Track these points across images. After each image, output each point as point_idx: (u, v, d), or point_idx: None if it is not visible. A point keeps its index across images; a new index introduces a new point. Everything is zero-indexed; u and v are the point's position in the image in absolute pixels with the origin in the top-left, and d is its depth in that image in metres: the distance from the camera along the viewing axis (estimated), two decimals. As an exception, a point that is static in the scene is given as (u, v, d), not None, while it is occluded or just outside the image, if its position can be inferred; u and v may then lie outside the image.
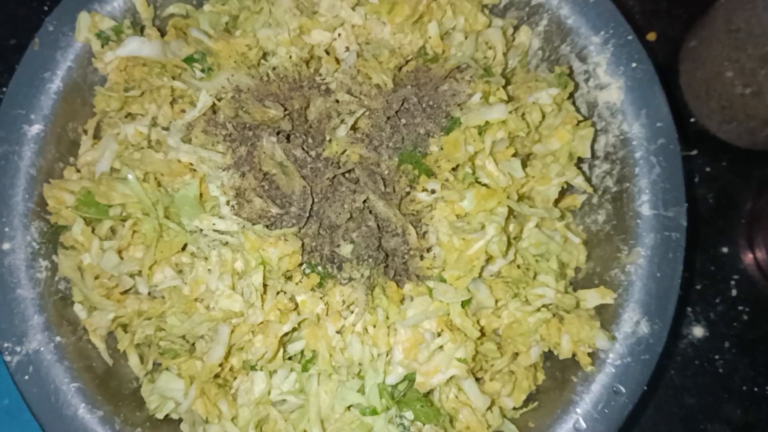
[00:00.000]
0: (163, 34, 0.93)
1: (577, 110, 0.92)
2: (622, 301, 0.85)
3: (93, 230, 0.87)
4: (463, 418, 0.83)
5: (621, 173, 0.90)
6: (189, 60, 0.87)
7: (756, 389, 1.06)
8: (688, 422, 1.06)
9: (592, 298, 0.87)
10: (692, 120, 1.09)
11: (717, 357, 1.07)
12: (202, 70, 0.87)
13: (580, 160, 0.93)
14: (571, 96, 0.93)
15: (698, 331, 1.08)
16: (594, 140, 0.92)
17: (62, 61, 0.90)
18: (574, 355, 0.85)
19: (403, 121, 0.84)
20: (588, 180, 0.92)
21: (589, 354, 0.84)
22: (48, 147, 0.89)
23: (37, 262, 0.86)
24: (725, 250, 1.11)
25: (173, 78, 0.90)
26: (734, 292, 1.09)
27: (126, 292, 0.88)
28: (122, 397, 0.87)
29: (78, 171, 0.92)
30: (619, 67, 0.90)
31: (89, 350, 0.88)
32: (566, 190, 0.93)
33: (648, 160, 0.88)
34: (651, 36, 1.16)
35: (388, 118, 0.83)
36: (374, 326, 0.82)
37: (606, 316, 0.86)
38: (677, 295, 0.84)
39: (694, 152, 1.12)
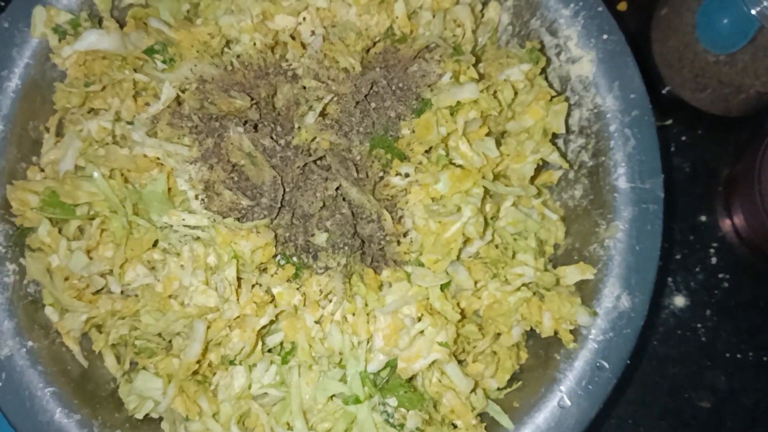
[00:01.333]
0: (122, 25, 0.90)
1: (550, 85, 0.91)
2: (602, 276, 0.84)
3: (60, 231, 0.85)
4: (447, 401, 0.82)
5: (596, 147, 0.89)
6: (149, 51, 0.85)
7: (739, 355, 1.07)
8: (673, 392, 1.06)
9: (572, 274, 0.86)
10: (666, 89, 1.08)
11: (699, 325, 1.07)
12: (164, 62, 0.85)
13: (555, 135, 0.91)
14: (543, 71, 0.91)
15: (680, 301, 1.08)
16: (568, 115, 0.90)
17: (19, 58, 0.88)
18: (556, 332, 0.84)
19: (373, 104, 0.82)
20: (563, 155, 0.91)
21: (570, 331, 0.83)
22: (9, 147, 0.86)
23: (4, 266, 0.84)
24: (704, 218, 1.10)
25: (135, 70, 0.87)
26: (714, 260, 1.09)
27: (98, 292, 0.86)
28: (100, 400, 0.85)
29: (42, 170, 0.89)
30: (590, 39, 0.89)
31: (63, 353, 0.86)
32: (542, 166, 0.92)
33: (623, 133, 0.87)
34: (622, 6, 1.15)
35: (357, 102, 0.81)
36: (353, 314, 0.81)
37: (586, 292, 0.85)
38: (657, 267, 0.83)
39: (669, 121, 1.11)
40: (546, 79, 0.91)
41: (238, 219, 0.79)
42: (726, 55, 0.95)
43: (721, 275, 1.09)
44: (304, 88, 0.82)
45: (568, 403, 0.81)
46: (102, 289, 0.86)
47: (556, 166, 0.93)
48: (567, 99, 0.89)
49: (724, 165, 1.11)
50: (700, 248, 1.09)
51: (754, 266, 1.08)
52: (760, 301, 1.08)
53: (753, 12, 0.88)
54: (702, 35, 0.95)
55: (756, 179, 1.00)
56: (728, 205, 1.09)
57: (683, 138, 1.12)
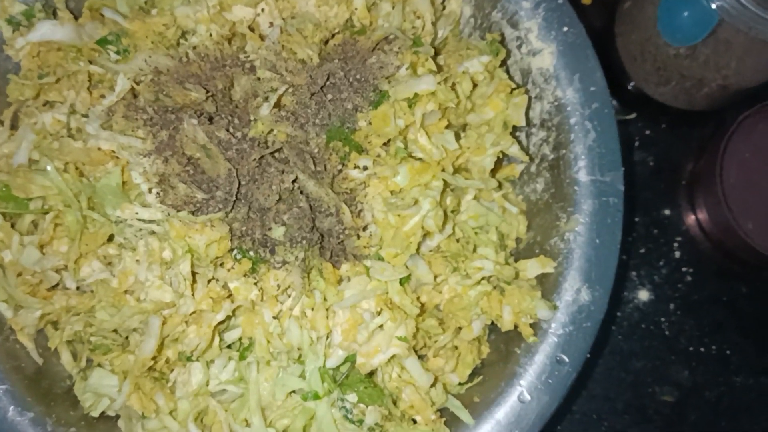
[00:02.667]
0: (77, 16, 0.89)
1: (511, 78, 0.91)
2: (563, 270, 0.84)
3: (13, 226, 0.83)
4: (406, 397, 0.82)
5: (557, 140, 0.88)
6: (102, 42, 0.83)
7: (702, 349, 1.07)
8: (636, 386, 1.06)
9: (532, 267, 0.85)
10: (632, 84, 1.08)
11: (663, 319, 1.08)
12: (117, 53, 0.83)
13: (516, 128, 0.91)
14: (504, 64, 0.91)
15: (643, 295, 1.08)
16: (529, 108, 0.90)
17: (-29, 49, 0.86)
18: (516, 326, 0.84)
19: (330, 96, 0.81)
20: (524, 149, 0.91)
21: (531, 325, 0.83)
22: (-39, 140, 0.85)
23: (-45, 262, 0.82)
24: (667, 212, 1.11)
25: (90, 62, 0.86)
26: (677, 254, 1.09)
27: (53, 288, 0.84)
28: (54, 397, 0.83)
29: (-5, 164, 0.87)
30: (551, 32, 0.88)
31: (17, 350, 0.84)
32: (503, 159, 0.92)
33: (583, 126, 0.86)
34: (586, 0, 1.15)
35: (313, 94, 0.80)
36: (312, 309, 0.80)
37: (547, 286, 0.85)
38: (617, 260, 0.83)
39: (633, 115, 1.11)
40: (507, 71, 0.91)
41: (193, 213, 0.78)
42: (687, 48, 0.95)
43: (684, 269, 1.09)
44: (259, 79, 0.81)
45: (528, 397, 0.81)
46: (57, 285, 0.84)
47: (518, 159, 0.92)
48: (528, 92, 0.89)
49: (687, 159, 1.12)
50: (663, 242, 1.09)
51: (716, 260, 1.09)
52: (723, 295, 1.09)
53: (713, 6, 0.88)
54: (663, 28, 0.95)
55: (718, 174, 1.00)
56: (692, 200, 1.10)
57: (647, 132, 1.12)
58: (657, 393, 1.06)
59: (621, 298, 1.07)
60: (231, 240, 0.78)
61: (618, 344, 1.06)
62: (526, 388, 0.81)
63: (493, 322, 0.87)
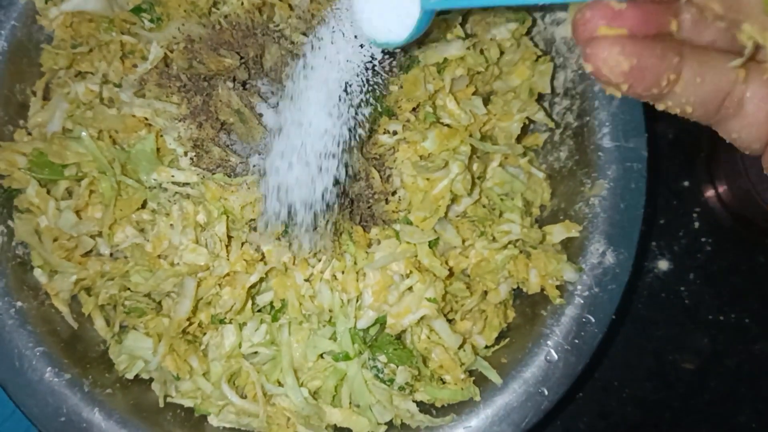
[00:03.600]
0: (108, -13, 0.90)
1: (536, 46, 0.92)
2: (588, 234, 0.85)
3: (48, 192, 0.85)
4: (435, 357, 0.83)
5: (581, 108, 0.90)
6: (136, 10, 0.85)
7: (722, 317, 1.08)
8: (657, 354, 1.07)
9: (558, 232, 0.87)
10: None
11: (683, 289, 1.09)
12: (151, 20, 0.85)
13: (541, 97, 0.92)
14: (528, 33, 0.92)
15: (663, 265, 1.09)
16: (553, 77, 0.91)
17: (5, 20, 0.87)
18: (542, 289, 0.85)
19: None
20: (549, 116, 0.92)
21: (557, 287, 0.84)
22: (-4, 110, 0.86)
23: (-8, 227, 0.84)
24: (686, 183, 1.12)
25: (122, 32, 0.87)
26: (697, 225, 1.11)
27: (87, 253, 0.86)
28: (90, 360, 0.85)
29: (29, 134, 0.89)
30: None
31: (53, 314, 0.86)
32: (528, 126, 0.93)
33: (606, 93, 0.87)
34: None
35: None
36: (343, 272, 0.82)
37: (572, 250, 0.86)
38: (641, 223, 0.85)
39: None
40: (531, 40, 0.92)
41: (228, 175, 0.79)
42: (708, 18, 0.96)
43: (703, 239, 1.10)
44: (293, 43, 0.82)
45: (555, 357, 0.82)
46: (91, 251, 0.86)
47: (542, 128, 0.94)
48: (552, 60, 0.90)
49: (706, 131, 1.12)
50: (683, 213, 1.11)
51: (736, 230, 1.10)
52: (742, 264, 1.10)
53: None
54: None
55: (737, 144, 1.01)
56: (711, 171, 1.11)
57: (666, 105, 1.13)
58: (677, 360, 1.07)
59: (641, 267, 1.08)
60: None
61: (638, 312, 1.08)
62: (553, 348, 0.83)
63: (517, 288, 0.89)
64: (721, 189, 1.09)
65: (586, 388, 1.05)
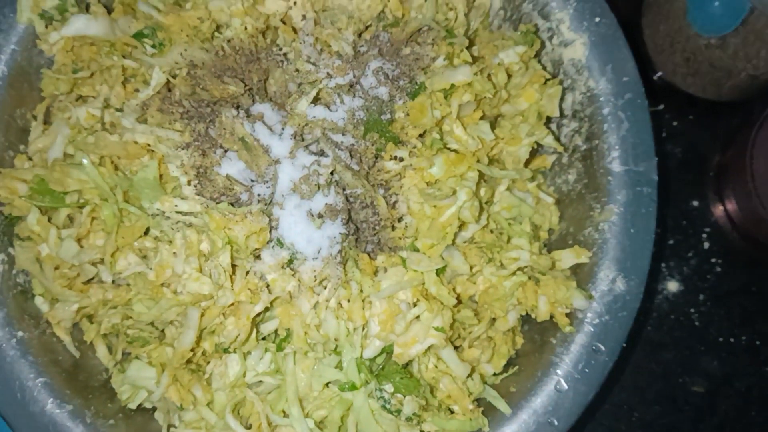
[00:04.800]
0: (110, 11, 0.89)
1: (544, 69, 0.90)
2: (597, 260, 0.84)
3: (49, 219, 0.84)
4: (443, 387, 0.82)
5: (590, 131, 0.88)
6: (138, 36, 0.84)
7: (732, 340, 1.07)
8: (666, 377, 1.06)
9: (567, 258, 0.86)
10: (658, 75, 1.08)
11: (692, 310, 1.08)
12: (153, 46, 0.84)
13: (549, 119, 0.91)
14: (537, 55, 0.91)
15: (673, 286, 1.08)
16: (561, 99, 0.90)
17: (5, 44, 0.87)
18: (552, 316, 0.84)
19: (367, 88, 0.81)
20: (557, 139, 0.91)
21: (566, 314, 0.83)
22: (-4, 135, 0.85)
23: (-7, 255, 0.83)
24: (696, 203, 1.11)
25: (123, 56, 0.86)
26: (706, 245, 1.09)
27: (89, 281, 0.85)
28: (92, 390, 0.84)
29: (30, 159, 0.88)
30: (582, 22, 0.88)
31: (54, 344, 0.85)
32: (536, 150, 0.92)
33: (616, 116, 0.86)
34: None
35: (351, 86, 0.80)
36: (349, 300, 0.80)
37: (582, 276, 0.85)
38: (652, 250, 0.83)
39: (661, 107, 1.11)
40: (539, 62, 0.91)
41: (232, 204, 0.78)
42: (717, 38, 0.95)
43: (713, 260, 1.09)
44: (297, 71, 0.81)
45: (565, 386, 0.81)
46: (93, 278, 0.85)
47: (550, 150, 0.92)
48: (561, 83, 0.89)
49: (715, 151, 1.12)
50: (692, 234, 1.09)
51: (746, 251, 1.09)
52: (752, 285, 1.09)
53: (745, -5, 0.88)
54: (694, 18, 0.95)
55: (748, 165, 1.00)
56: (720, 191, 1.10)
57: (674, 123, 1.12)
58: (687, 383, 1.06)
59: (651, 289, 1.07)
60: (269, 231, 0.78)
61: (648, 335, 1.06)
62: (563, 377, 0.81)
63: (526, 314, 0.88)
64: (731, 209, 1.08)
65: (597, 414, 1.03)
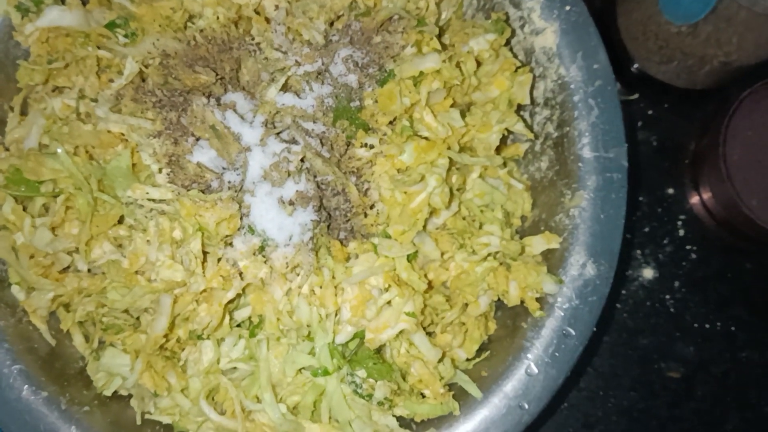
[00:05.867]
0: (84, 2, 0.90)
1: (515, 57, 0.91)
2: (568, 245, 0.85)
3: (25, 209, 0.84)
4: (415, 371, 0.83)
5: (561, 118, 0.89)
6: (111, 25, 0.84)
7: (707, 326, 1.08)
8: (643, 363, 1.07)
9: (538, 243, 0.86)
10: (635, 66, 1.09)
11: (668, 297, 1.08)
12: (126, 36, 0.84)
13: (521, 107, 0.92)
14: (508, 43, 0.92)
15: (648, 273, 1.09)
16: (533, 87, 0.91)
17: (-19, 37, 0.87)
18: (522, 301, 0.85)
19: (336, 76, 0.82)
20: (529, 127, 0.92)
21: (537, 299, 0.84)
22: (-28, 126, 0.86)
23: (-32, 245, 0.83)
24: (671, 191, 1.11)
25: (98, 47, 0.87)
26: (681, 232, 1.10)
27: (65, 270, 0.85)
28: (68, 377, 0.85)
29: (6, 149, 0.88)
30: (553, 11, 0.89)
31: (30, 332, 0.86)
32: (507, 137, 0.92)
33: (586, 103, 0.87)
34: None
35: (319, 73, 0.81)
36: (321, 287, 0.81)
37: (553, 261, 0.86)
38: (622, 235, 0.84)
39: (636, 96, 1.12)
40: (511, 51, 0.92)
41: (203, 191, 0.79)
42: (689, 25, 0.95)
43: (688, 247, 1.10)
44: (266, 59, 0.82)
45: (536, 370, 0.82)
46: (68, 267, 0.85)
47: (523, 138, 0.93)
48: (532, 71, 0.90)
49: (690, 138, 1.12)
50: (667, 221, 1.10)
51: (721, 238, 1.10)
52: (728, 272, 1.09)
53: (714, -18, 0.88)
54: (665, 6, 0.96)
55: (721, 152, 1.01)
56: (695, 178, 1.10)
57: (650, 112, 1.13)
58: (663, 369, 1.06)
59: (626, 276, 1.08)
60: (240, 218, 0.79)
61: (624, 322, 1.07)
62: (533, 362, 0.82)
63: (499, 299, 0.88)
64: (706, 196, 1.09)
65: (570, 397, 1.04)
